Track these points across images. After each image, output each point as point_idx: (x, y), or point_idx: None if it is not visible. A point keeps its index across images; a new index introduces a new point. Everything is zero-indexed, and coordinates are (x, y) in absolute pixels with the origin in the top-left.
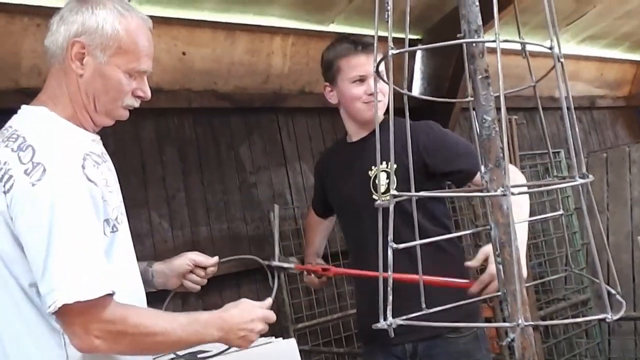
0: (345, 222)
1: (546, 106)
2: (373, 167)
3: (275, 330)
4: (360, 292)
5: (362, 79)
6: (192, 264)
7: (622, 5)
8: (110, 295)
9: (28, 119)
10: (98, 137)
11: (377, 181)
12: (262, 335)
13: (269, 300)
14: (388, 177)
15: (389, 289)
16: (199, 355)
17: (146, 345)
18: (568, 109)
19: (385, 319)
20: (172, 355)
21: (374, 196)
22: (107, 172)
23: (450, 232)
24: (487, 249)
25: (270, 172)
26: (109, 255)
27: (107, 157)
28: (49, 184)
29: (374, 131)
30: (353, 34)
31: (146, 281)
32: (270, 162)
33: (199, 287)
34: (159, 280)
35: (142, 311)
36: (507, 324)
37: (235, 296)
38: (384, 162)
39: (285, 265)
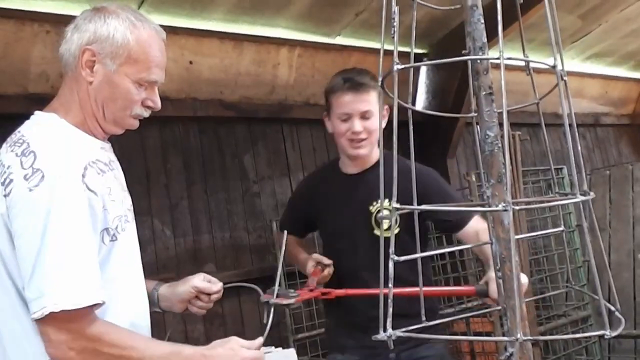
0: (337, 251)
1: (550, 122)
2: (374, 203)
3: (275, 340)
4: (342, 306)
5: (347, 117)
6: (196, 291)
7: (628, 24)
8: (99, 305)
9: (37, 125)
10: (108, 145)
11: (378, 217)
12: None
13: (260, 340)
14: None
15: (389, 301)
16: None
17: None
18: (570, 126)
19: (385, 330)
20: None
21: (375, 232)
22: (112, 181)
23: (430, 281)
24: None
25: (274, 182)
26: (106, 263)
27: (116, 165)
28: (46, 191)
29: (372, 166)
30: (354, 69)
31: (152, 302)
32: (274, 172)
33: (204, 312)
34: (164, 304)
35: (123, 332)
36: (506, 338)
37: (235, 307)
38: (387, 200)
39: (285, 302)
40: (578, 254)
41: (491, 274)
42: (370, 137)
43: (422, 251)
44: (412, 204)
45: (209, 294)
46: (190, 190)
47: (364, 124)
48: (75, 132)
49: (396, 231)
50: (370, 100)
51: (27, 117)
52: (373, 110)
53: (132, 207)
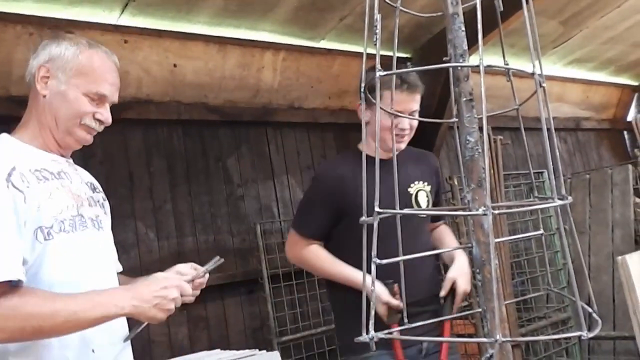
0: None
1: (532, 126)
2: (412, 184)
3: (259, 342)
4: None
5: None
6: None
7: (607, 31)
8: (11, 282)
9: None
10: (63, 159)
11: (419, 198)
12: (247, 348)
13: (192, 274)
14: (427, 196)
15: (372, 303)
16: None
17: (35, 329)
18: (549, 131)
19: (367, 332)
20: None
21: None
22: (56, 188)
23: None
24: (451, 276)
25: (258, 185)
26: (42, 262)
27: (70, 177)
28: None
29: (401, 153)
30: (403, 63)
31: None
32: (258, 176)
33: (191, 299)
34: None
35: (41, 300)
36: (485, 340)
37: (219, 308)
38: (421, 182)
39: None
40: (558, 257)
41: (450, 274)
42: (411, 133)
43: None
44: (433, 182)
45: (192, 280)
46: (174, 192)
47: (410, 122)
48: (20, 145)
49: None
50: (419, 100)
51: (10, 119)
52: (418, 110)
53: (101, 217)
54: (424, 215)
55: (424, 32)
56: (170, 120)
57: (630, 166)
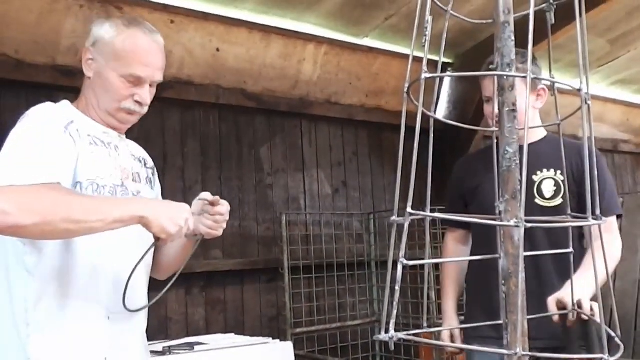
0: (489, 227)
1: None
2: (538, 172)
3: (274, 332)
4: (470, 295)
5: (488, 99)
6: (202, 203)
7: None
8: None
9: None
10: (114, 132)
11: (542, 187)
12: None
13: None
14: (555, 185)
15: (394, 302)
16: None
17: (63, 217)
18: (589, 151)
19: (387, 332)
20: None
21: (536, 200)
22: (103, 155)
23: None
24: (552, 299)
25: (288, 175)
26: None
27: (119, 150)
28: (29, 119)
29: (538, 141)
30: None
31: None
32: (289, 166)
33: (216, 233)
34: None
35: (69, 191)
36: (505, 351)
37: (238, 293)
38: (552, 170)
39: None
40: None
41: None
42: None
43: (578, 234)
44: (573, 179)
45: (213, 204)
46: (205, 175)
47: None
48: (77, 112)
49: (558, 202)
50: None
51: (54, 88)
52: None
53: (142, 193)
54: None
55: (468, 39)
56: (208, 104)
57: None
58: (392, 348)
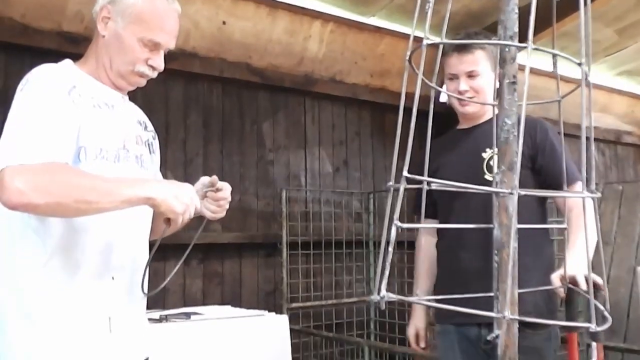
0: (449, 202)
1: (570, 133)
2: (488, 150)
3: (270, 306)
4: (450, 270)
5: (454, 77)
6: (204, 186)
7: None
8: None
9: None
10: (118, 94)
11: (491, 162)
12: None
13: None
14: None
15: (387, 264)
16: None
17: (76, 198)
18: (587, 129)
19: (379, 293)
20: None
21: (486, 176)
22: (105, 116)
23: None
24: (556, 275)
25: (289, 152)
26: None
27: (122, 113)
28: (31, 87)
29: (485, 121)
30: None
31: None
32: (291, 143)
33: (220, 216)
34: None
35: (79, 172)
36: (493, 314)
37: (236, 266)
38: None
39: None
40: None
41: (566, 257)
42: (478, 95)
43: (539, 210)
44: (529, 154)
45: (215, 188)
46: (207, 148)
47: (470, 83)
48: (80, 72)
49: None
50: (476, 60)
51: (59, 54)
52: (479, 70)
53: (145, 156)
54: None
55: (475, 22)
56: (212, 77)
57: None
58: (383, 307)
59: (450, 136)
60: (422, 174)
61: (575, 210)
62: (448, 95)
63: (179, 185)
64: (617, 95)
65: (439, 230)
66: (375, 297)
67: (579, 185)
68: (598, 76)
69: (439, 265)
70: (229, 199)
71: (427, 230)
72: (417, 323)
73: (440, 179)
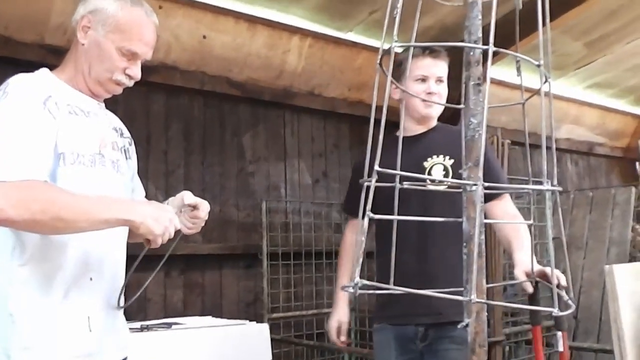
0: (389, 210)
1: (539, 143)
2: (429, 159)
3: (250, 316)
4: (383, 269)
5: (423, 79)
6: (182, 205)
7: (632, 58)
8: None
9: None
10: (94, 101)
11: (432, 172)
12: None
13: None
14: (444, 169)
15: (360, 251)
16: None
17: (53, 215)
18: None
19: (353, 280)
20: None
21: (429, 186)
22: (82, 124)
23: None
24: (521, 271)
25: (269, 164)
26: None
27: (98, 119)
28: (7, 100)
29: (429, 130)
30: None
31: None
32: (271, 155)
33: (194, 231)
34: None
35: (60, 189)
36: (461, 298)
37: (216, 277)
38: (441, 156)
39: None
40: (549, 248)
41: (520, 256)
42: (441, 100)
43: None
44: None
45: (193, 207)
46: (188, 160)
47: (437, 88)
48: (56, 80)
49: (445, 186)
50: (445, 68)
51: (42, 66)
52: (444, 77)
53: (121, 162)
54: (442, 193)
55: (450, 36)
56: (193, 90)
57: (633, 188)
58: (357, 294)
59: (396, 143)
60: (387, 175)
61: (518, 218)
62: (413, 96)
63: (159, 207)
64: (587, 107)
65: (378, 232)
66: (348, 285)
67: (507, 198)
68: (568, 89)
69: (378, 268)
70: (205, 218)
71: (355, 227)
72: (340, 317)
73: (387, 189)
